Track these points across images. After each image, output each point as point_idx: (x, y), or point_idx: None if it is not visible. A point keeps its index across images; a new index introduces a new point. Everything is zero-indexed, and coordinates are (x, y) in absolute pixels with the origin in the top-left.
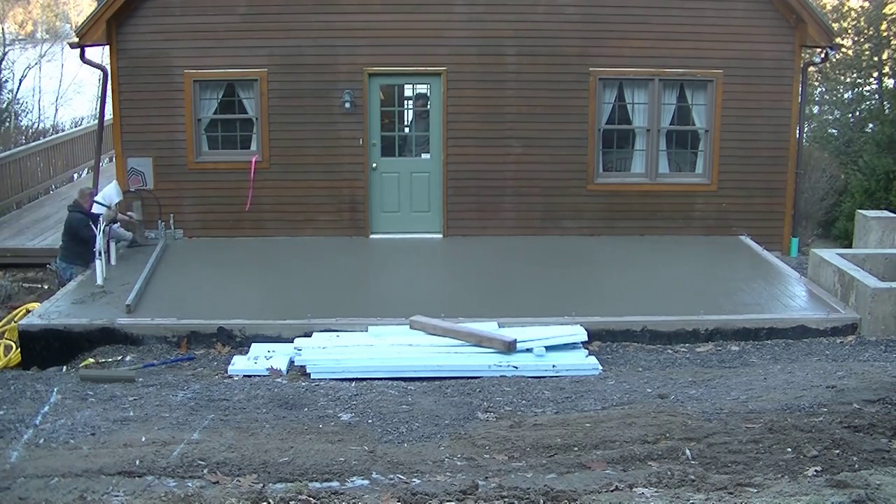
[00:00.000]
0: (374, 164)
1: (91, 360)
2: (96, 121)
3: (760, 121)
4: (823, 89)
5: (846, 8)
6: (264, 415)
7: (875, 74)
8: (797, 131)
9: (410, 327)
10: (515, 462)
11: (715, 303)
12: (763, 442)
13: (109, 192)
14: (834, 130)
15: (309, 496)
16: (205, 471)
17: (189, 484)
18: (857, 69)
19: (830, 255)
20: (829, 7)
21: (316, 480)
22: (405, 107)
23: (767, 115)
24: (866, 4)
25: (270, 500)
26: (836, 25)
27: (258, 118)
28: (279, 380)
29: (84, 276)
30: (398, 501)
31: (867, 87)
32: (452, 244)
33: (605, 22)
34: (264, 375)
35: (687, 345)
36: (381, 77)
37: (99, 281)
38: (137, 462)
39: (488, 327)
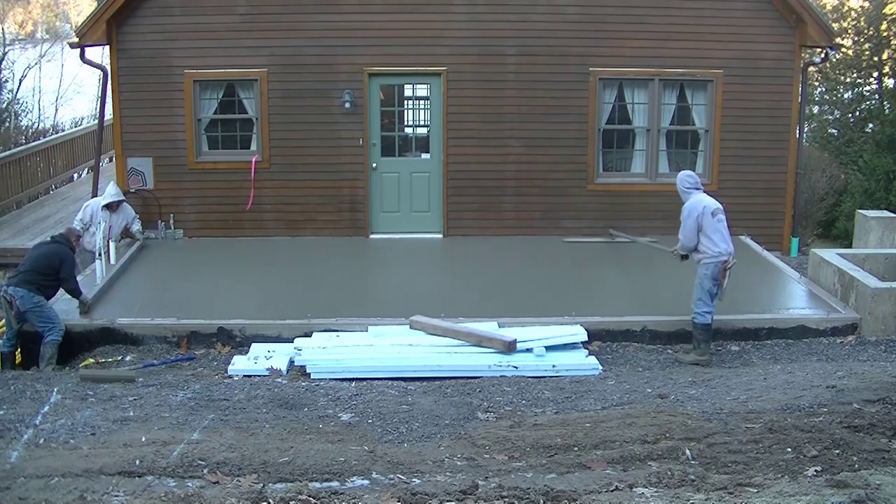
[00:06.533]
0: (374, 164)
1: (91, 360)
2: (96, 121)
3: (760, 121)
4: (823, 89)
5: (846, 8)
6: (264, 415)
7: (875, 74)
8: (797, 131)
9: (410, 327)
10: (515, 462)
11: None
12: (763, 442)
13: (108, 192)
14: (834, 130)
15: (309, 496)
16: (205, 471)
17: (189, 484)
18: (857, 69)
19: (830, 255)
20: (829, 7)
21: (316, 480)
22: (405, 107)
23: (767, 115)
24: (866, 4)
25: (270, 500)
26: (836, 25)
27: (258, 118)
28: (279, 380)
29: (84, 274)
30: (398, 501)
31: (867, 87)
32: (452, 244)
33: (605, 22)
34: (264, 375)
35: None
36: (381, 77)
37: (99, 281)
38: (137, 462)
39: (488, 327)
